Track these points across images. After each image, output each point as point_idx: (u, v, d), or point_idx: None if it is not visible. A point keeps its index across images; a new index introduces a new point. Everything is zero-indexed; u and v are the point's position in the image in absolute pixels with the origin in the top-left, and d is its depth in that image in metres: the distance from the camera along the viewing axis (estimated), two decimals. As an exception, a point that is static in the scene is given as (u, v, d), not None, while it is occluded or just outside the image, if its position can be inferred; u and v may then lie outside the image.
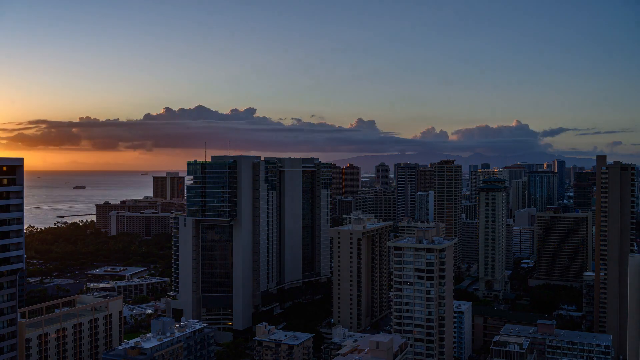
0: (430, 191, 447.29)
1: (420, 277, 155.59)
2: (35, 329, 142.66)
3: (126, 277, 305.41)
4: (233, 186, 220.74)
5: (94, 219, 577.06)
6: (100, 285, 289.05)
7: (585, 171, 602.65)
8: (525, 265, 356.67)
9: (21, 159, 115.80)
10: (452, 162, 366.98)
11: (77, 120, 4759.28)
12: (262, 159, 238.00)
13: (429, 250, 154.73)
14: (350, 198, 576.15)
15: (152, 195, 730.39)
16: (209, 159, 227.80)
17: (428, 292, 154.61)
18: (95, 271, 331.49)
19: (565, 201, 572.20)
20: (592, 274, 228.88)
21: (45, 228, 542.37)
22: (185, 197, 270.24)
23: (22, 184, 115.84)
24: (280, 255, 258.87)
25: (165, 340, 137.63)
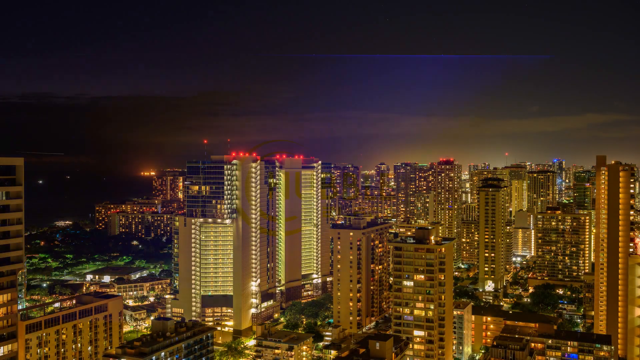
0: (430, 191, 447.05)
1: (420, 277, 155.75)
2: (35, 329, 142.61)
3: (126, 277, 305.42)
4: (233, 186, 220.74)
5: (94, 219, 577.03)
6: (100, 285, 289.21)
7: (585, 171, 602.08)
8: (525, 265, 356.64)
9: (21, 159, 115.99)
10: (452, 161, 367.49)
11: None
12: (261, 159, 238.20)
13: (428, 250, 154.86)
14: (350, 198, 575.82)
15: (151, 195, 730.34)
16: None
17: (428, 292, 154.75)
18: (96, 271, 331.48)
19: (565, 201, 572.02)
20: (592, 274, 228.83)
21: (45, 227, 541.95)
22: (185, 197, 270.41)
23: (22, 184, 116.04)
24: (280, 255, 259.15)
25: (165, 340, 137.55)
